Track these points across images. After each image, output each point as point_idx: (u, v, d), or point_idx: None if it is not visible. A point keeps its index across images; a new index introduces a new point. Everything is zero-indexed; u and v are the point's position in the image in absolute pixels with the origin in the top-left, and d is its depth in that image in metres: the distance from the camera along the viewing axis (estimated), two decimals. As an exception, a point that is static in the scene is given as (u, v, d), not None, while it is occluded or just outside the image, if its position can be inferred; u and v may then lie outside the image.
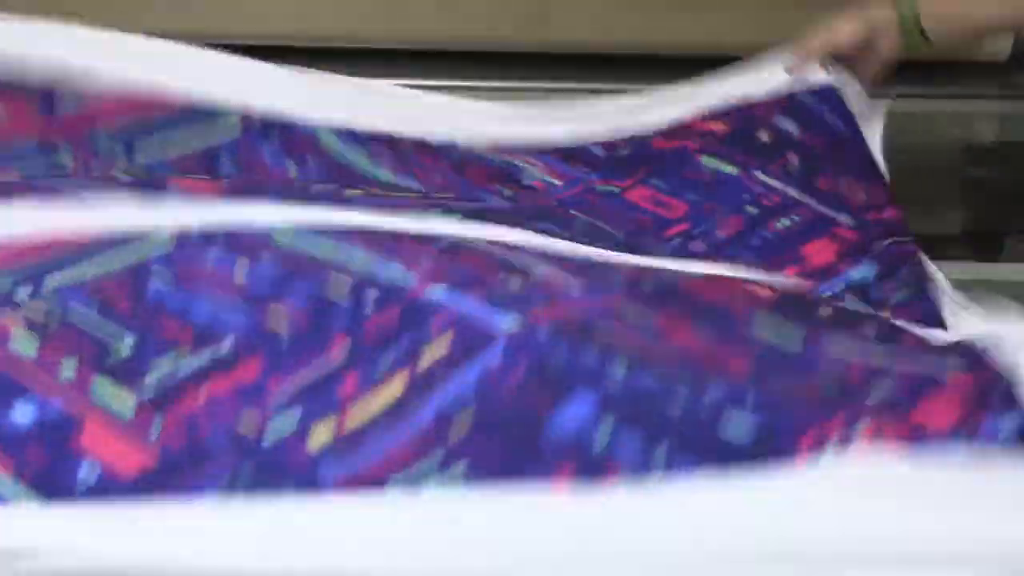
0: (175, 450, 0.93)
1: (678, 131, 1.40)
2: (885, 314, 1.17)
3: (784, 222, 1.28)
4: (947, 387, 0.99)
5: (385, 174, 1.31)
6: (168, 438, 0.94)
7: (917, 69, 1.50)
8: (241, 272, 1.04)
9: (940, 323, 1.16)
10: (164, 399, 0.95)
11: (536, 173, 1.35)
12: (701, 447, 0.94)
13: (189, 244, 1.08)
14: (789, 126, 1.36)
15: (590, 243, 1.20)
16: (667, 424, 0.95)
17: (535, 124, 1.40)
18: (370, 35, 1.83)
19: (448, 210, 1.20)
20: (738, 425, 0.95)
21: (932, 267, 1.25)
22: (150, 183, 1.17)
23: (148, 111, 1.27)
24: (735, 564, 0.88)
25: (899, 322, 1.14)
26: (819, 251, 1.26)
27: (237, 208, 1.14)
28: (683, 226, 1.29)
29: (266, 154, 1.26)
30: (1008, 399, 0.98)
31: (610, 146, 1.40)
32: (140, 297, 1.02)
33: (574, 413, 0.94)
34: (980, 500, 0.92)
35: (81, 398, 0.95)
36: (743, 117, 1.38)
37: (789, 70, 1.42)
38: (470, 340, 0.97)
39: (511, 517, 0.91)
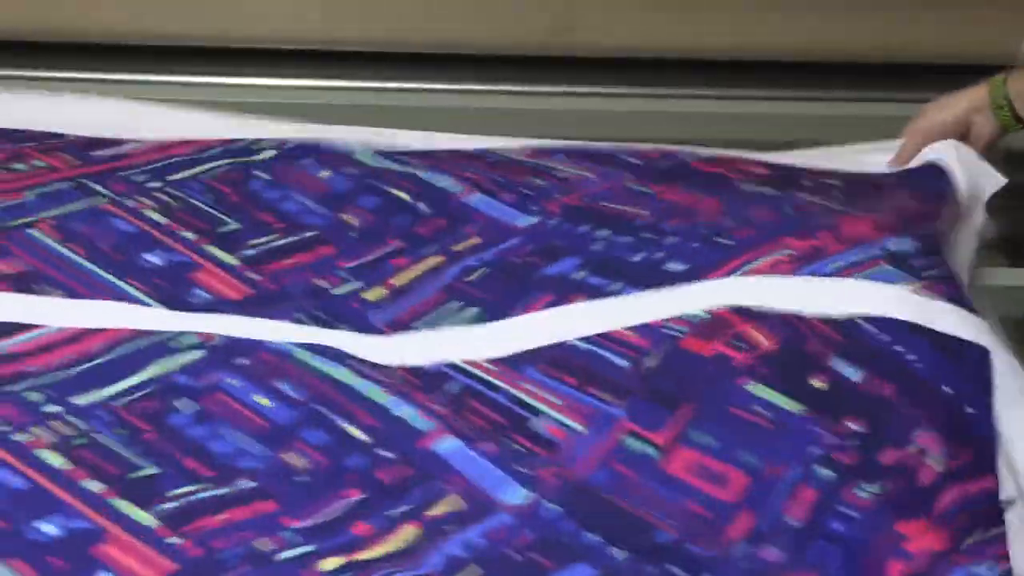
0: (192, 561, 0.98)
1: (720, 161, 1.47)
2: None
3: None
4: None
5: (420, 173, 1.45)
6: (186, 550, 0.98)
7: (951, 76, 1.55)
8: (262, 406, 1.11)
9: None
10: (183, 519, 0.99)
11: (570, 169, 1.46)
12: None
13: (212, 366, 1.15)
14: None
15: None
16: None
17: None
18: (400, 39, 1.84)
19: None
20: None
21: None
22: (175, 291, 1.27)
23: (180, 149, 1.50)
24: None
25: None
26: (856, 221, 1.29)
27: (258, 322, 1.22)
28: (717, 207, 1.35)
29: (303, 167, 1.44)
30: None
31: (653, 156, 1.50)
32: (162, 427, 1.08)
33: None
34: None
35: (103, 514, 0.99)
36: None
37: (890, 162, 1.49)
38: (478, 502, 1.02)
39: None
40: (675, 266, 1.28)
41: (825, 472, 1.05)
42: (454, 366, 1.17)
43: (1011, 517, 1.04)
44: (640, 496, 1.03)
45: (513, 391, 1.14)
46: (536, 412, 1.12)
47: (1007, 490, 1.07)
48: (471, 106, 1.76)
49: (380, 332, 1.22)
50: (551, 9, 1.79)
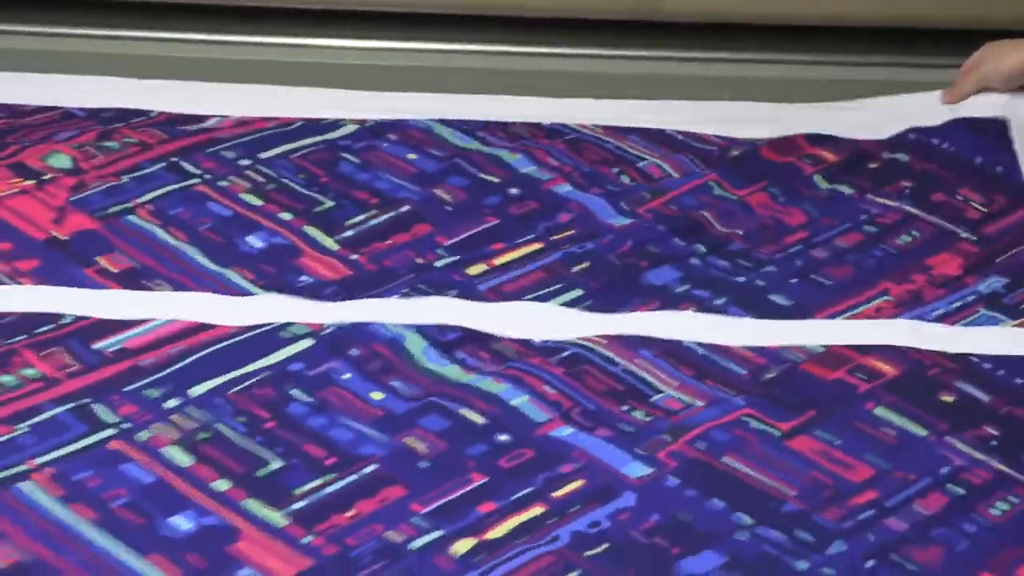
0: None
1: (787, 146, 1.52)
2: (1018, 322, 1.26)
3: (905, 238, 1.40)
4: None
5: (500, 152, 1.55)
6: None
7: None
8: (375, 399, 1.18)
9: None
10: (314, 517, 1.05)
11: (652, 159, 1.56)
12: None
13: (323, 351, 1.22)
14: (899, 156, 1.46)
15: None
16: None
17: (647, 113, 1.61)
18: (486, 3, 1.83)
19: None
20: None
21: None
22: (280, 276, 1.34)
23: (262, 124, 1.58)
24: None
25: None
26: (944, 263, 1.37)
27: (365, 303, 1.29)
28: (803, 233, 1.40)
29: (389, 147, 1.52)
30: None
31: (723, 144, 1.57)
32: (281, 416, 1.15)
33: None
34: None
35: (235, 512, 1.05)
36: (852, 149, 1.49)
37: (945, 98, 1.61)
38: (600, 484, 1.09)
39: None
40: (780, 300, 1.35)
41: (956, 489, 1.12)
42: (567, 341, 1.24)
43: None
44: (763, 463, 1.12)
45: (630, 365, 1.22)
46: (653, 387, 1.20)
47: None
48: (561, 70, 1.80)
49: (487, 300, 1.31)
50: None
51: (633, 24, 1.80)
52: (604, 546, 1.05)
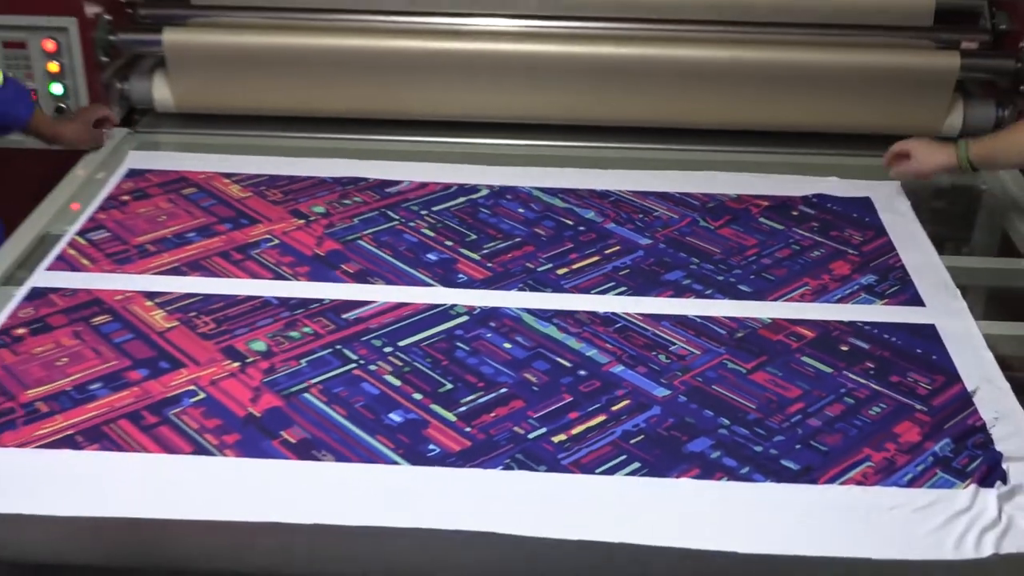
0: (479, 441, 1.53)
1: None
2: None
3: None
4: None
5: (571, 208, 2.16)
6: (475, 434, 1.54)
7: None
8: (507, 348, 1.72)
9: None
10: (471, 415, 1.58)
11: (661, 210, 2.15)
12: (769, 470, 1.51)
13: (474, 321, 1.78)
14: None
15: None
16: (751, 457, 1.52)
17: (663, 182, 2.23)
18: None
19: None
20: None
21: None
22: (447, 276, 1.90)
23: (432, 187, 2.19)
24: None
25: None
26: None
27: (498, 294, 1.86)
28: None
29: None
30: None
31: (705, 199, 2.18)
32: (452, 358, 1.69)
33: (699, 446, 1.56)
34: None
35: (426, 411, 1.58)
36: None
37: (889, 170, 2.20)
38: (639, 401, 1.61)
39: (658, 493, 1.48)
40: (744, 288, 1.92)
41: (849, 400, 1.64)
42: (618, 315, 1.80)
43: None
44: (735, 388, 1.63)
45: (655, 332, 1.77)
46: (669, 342, 1.74)
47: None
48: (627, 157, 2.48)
49: (569, 292, 1.87)
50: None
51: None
52: (641, 437, 1.54)
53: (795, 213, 2.15)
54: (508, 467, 1.48)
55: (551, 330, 1.76)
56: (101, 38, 2.39)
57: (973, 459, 1.52)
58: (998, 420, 1.57)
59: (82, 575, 1.55)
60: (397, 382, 1.63)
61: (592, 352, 1.71)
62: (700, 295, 1.88)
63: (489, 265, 1.94)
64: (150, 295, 1.82)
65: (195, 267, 1.90)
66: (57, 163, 2.22)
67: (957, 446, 1.55)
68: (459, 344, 1.73)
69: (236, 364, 1.67)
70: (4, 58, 2.32)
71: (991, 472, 1.48)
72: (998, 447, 1.53)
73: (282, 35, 2.44)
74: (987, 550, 1.37)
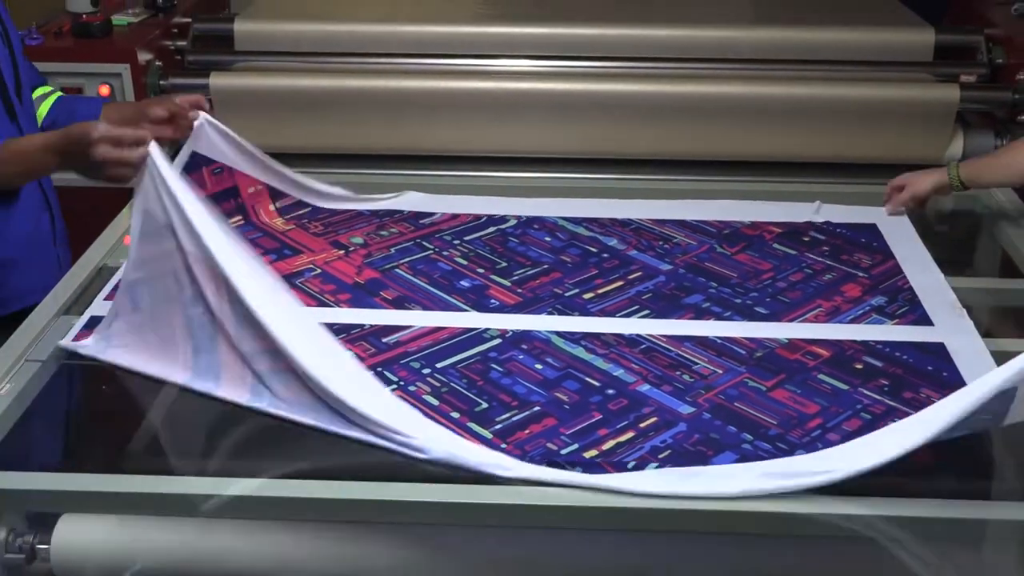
0: (515, 457, 1.54)
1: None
2: None
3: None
4: None
5: (595, 236, 2.20)
6: (511, 450, 1.56)
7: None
8: (538, 369, 1.75)
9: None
10: (506, 431, 1.61)
11: (679, 237, 2.19)
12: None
13: (506, 344, 1.81)
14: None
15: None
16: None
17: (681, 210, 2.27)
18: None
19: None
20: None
21: None
22: (480, 301, 1.93)
23: (463, 219, 2.23)
24: None
25: None
26: (850, 289, 1.83)
27: (528, 318, 1.89)
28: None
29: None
30: None
31: (721, 226, 2.22)
32: (487, 379, 1.72)
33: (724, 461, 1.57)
34: None
35: (464, 429, 1.61)
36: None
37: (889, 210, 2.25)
38: (666, 418, 1.64)
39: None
40: (761, 310, 1.95)
41: (866, 415, 1.65)
42: (642, 336, 1.83)
43: None
44: (756, 406, 1.65)
45: (678, 352, 1.79)
46: (693, 362, 1.77)
47: None
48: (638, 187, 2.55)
49: (595, 316, 1.91)
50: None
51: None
52: (668, 452, 1.54)
53: (806, 239, 2.19)
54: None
55: (579, 351, 1.78)
56: (152, 83, 2.48)
57: None
58: None
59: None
60: (436, 402, 1.66)
61: (619, 372, 1.73)
62: (719, 317, 1.90)
63: (519, 291, 1.98)
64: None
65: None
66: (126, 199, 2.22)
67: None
68: (493, 365, 1.75)
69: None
70: (62, 102, 2.37)
71: None
72: None
73: (322, 78, 2.52)
74: None
